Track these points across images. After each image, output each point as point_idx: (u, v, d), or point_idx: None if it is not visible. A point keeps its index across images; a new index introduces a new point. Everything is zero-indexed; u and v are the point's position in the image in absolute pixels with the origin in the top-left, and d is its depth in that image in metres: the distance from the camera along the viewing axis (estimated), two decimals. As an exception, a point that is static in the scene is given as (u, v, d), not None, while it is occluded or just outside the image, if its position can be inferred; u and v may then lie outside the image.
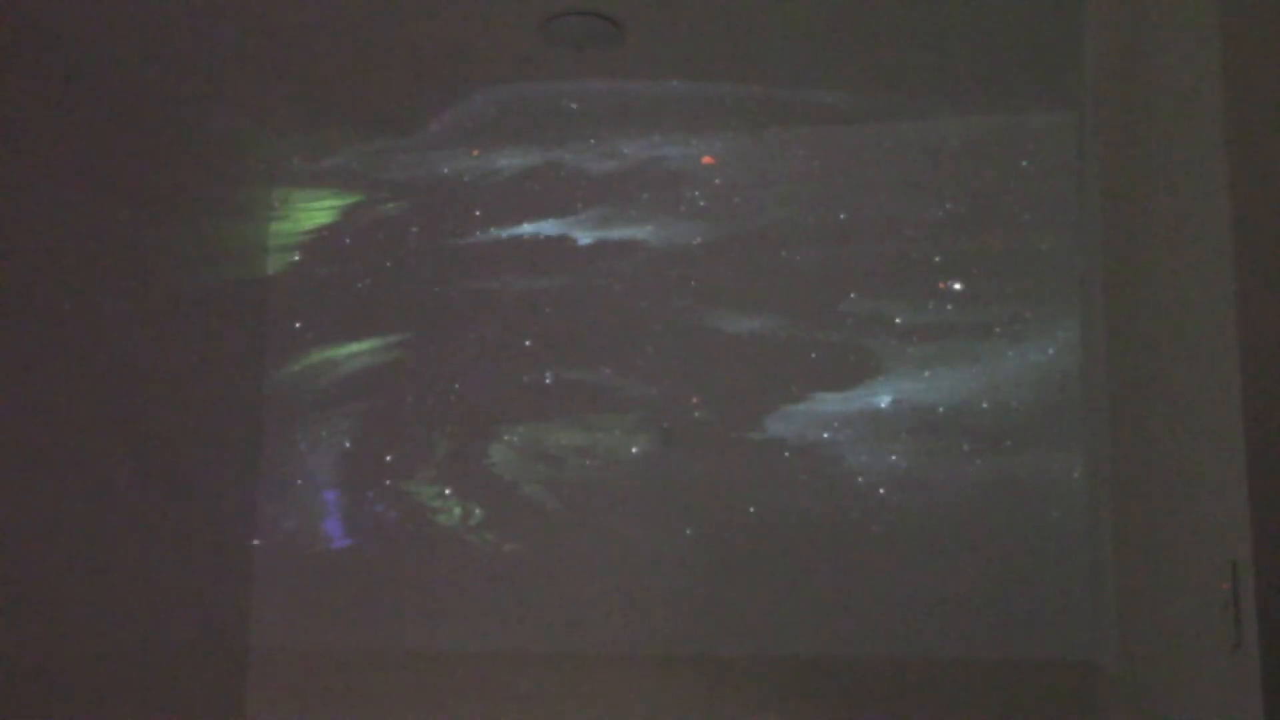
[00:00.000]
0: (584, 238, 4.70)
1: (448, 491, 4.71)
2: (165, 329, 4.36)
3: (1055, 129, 4.41)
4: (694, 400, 4.56)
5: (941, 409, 4.39)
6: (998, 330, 4.40)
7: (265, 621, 4.71)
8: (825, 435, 4.45)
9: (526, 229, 4.77)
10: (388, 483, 4.76)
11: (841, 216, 4.55)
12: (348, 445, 4.81)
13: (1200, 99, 1.61)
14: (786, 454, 4.46)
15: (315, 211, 4.98)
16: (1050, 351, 4.35)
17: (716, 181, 4.66)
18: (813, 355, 4.51)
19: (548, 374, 4.67)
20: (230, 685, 4.61)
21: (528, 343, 4.70)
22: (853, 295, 4.50)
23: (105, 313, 4.07)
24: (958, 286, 4.44)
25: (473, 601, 4.61)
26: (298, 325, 4.90)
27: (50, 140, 3.84)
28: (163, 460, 4.31)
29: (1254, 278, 1.38)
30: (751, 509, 4.46)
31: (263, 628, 4.71)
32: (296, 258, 4.96)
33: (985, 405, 4.36)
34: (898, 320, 4.46)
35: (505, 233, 4.80)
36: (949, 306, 4.44)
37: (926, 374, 4.43)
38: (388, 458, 4.77)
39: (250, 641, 4.69)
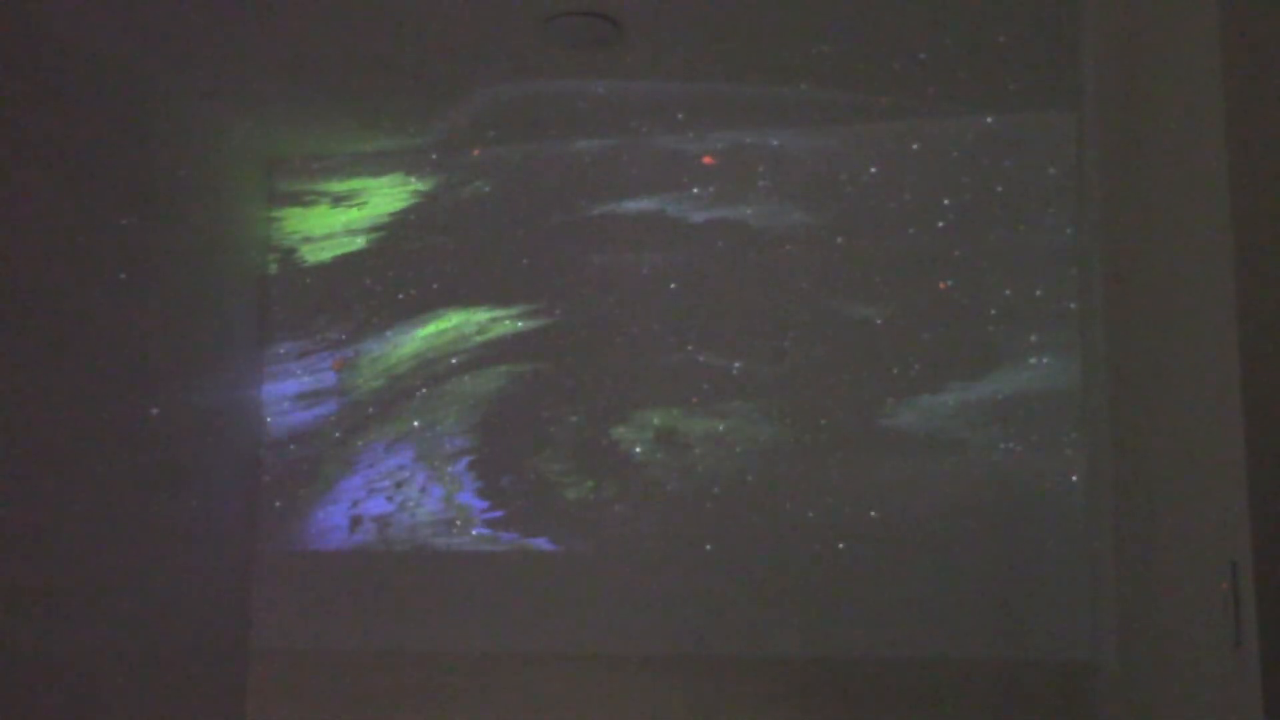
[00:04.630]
0: (696, 217, 4.69)
1: (449, 489, 4.72)
2: (165, 329, 4.36)
3: (1055, 129, 4.41)
4: (694, 400, 4.56)
5: (940, 409, 4.39)
6: (996, 330, 4.39)
7: (265, 621, 4.71)
8: (828, 436, 4.45)
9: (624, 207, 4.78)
10: (380, 478, 4.76)
11: (835, 216, 4.55)
12: (336, 435, 4.81)
13: (1200, 99, 1.61)
14: (787, 454, 4.46)
15: (318, 209, 4.98)
16: (1050, 351, 4.34)
17: (823, 169, 4.65)
18: (810, 354, 4.50)
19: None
20: (230, 685, 4.61)
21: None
22: (841, 290, 4.50)
23: (105, 313, 4.07)
24: (956, 285, 4.44)
25: (473, 601, 4.61)
26: (312, 319, 4.91)
27: (50, 139, 3.84)
28: (163, 460, 4.31)
29: (1254, 278, 1.38)
30: (749, 510, 4.46)
31: (263, 628, 4.71)
32: (302, 254, 4.96)
33: (984, 405, 4.36)
34: (896, 320, 4.46)
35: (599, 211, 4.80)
36: (946, 306, 4.43)
37: (925, 373, 4.43)
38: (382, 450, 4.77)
39: (250, 641, 4.69)
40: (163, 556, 4.27)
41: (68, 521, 3.85)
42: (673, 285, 4.64)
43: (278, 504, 4.79)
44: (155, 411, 4.28)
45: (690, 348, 4.60)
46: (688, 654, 4.41)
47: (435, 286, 4.82)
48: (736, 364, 4.55)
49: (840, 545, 4.38)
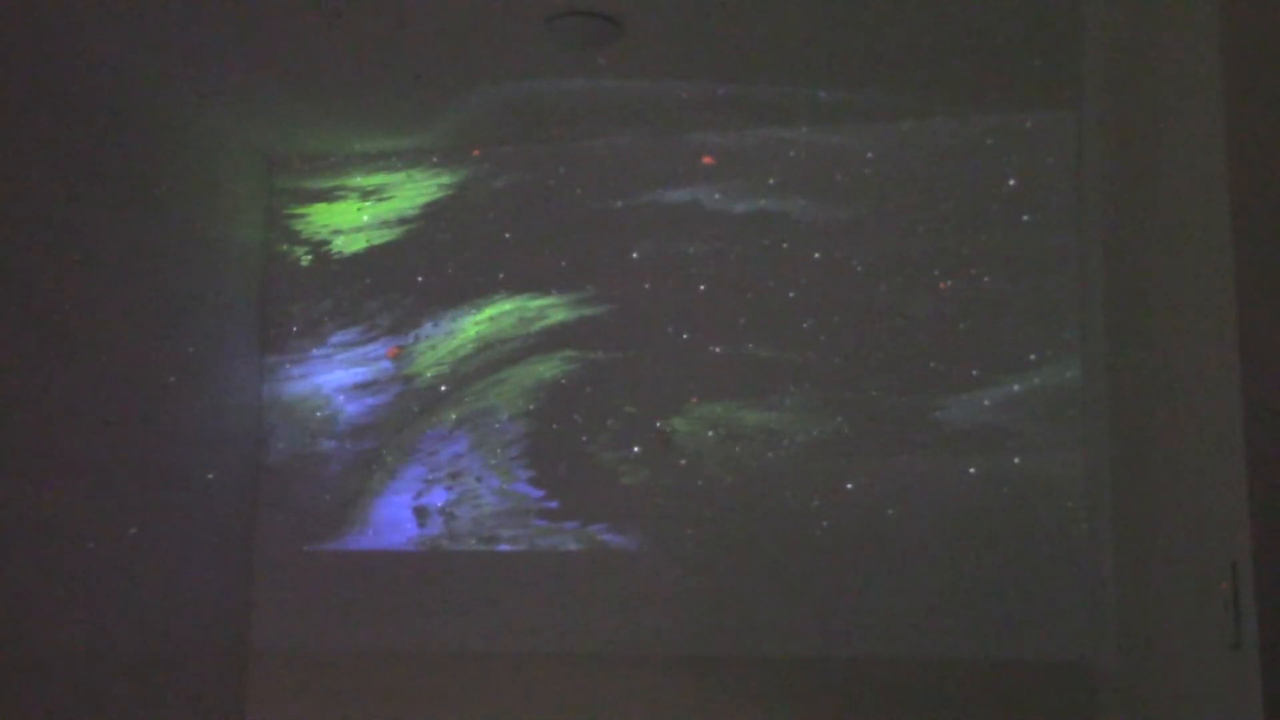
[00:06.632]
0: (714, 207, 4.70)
1: (443, 486, 4.72)
2: (164, 329, 4.36)
3: (1055, 129, 4.41)
4: (691, 401, 4.56)
5: (940, 410, 4.38)
6: (996, 330, 4.39)
7: (265, 621, 4.71)
8: (830, 436, 4.45)
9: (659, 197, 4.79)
10: (389, 481, 4.76)
11: (839, 215, 4.55)
12: (350, 438, 4.81)
13: (1200, 99, 1.61)
14: (787, 456, 4.46)
15: (344, 204, 4.99)
16: (1050, 351, 4.34)
17: (822, 169, 4.66)
18: (807, 354, 4.50)
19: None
20: (230, 685, 4.61)
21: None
22: (840, 290, 4.49)
23: (103, 313, 4.07)
24: (956, 285, 4.43)
25: (473, 601, 4.61)
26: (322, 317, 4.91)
27: (50, 139, 3.84)
28: (163, 460, 4.31)
29: (1254, 278, 1.38)
30: (750, 510, 4.45)
31: (263, 628, 4.71)
32: (334, 247, 4.97)
33: (984, 405, 4.36)
34: (894, 320, 4.45)
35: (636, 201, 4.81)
36: (946, 306, 4.43)
37: (923, 374, 4.42)
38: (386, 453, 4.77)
39: (250, 641, 4.69)
40: (163, 556, 4.27)
41: (67, 521, 3.85)
42: (672, 280, 4.64)
43: (328, 498, 4.77)
44: (155, 412, 4.28)
45: (685, 335, 4.60)
46: (688, 654, 4.41)
47: (472, 278, 4.82)
48: (727, 363, 4.54)
49: (838, 545, 4.37)
